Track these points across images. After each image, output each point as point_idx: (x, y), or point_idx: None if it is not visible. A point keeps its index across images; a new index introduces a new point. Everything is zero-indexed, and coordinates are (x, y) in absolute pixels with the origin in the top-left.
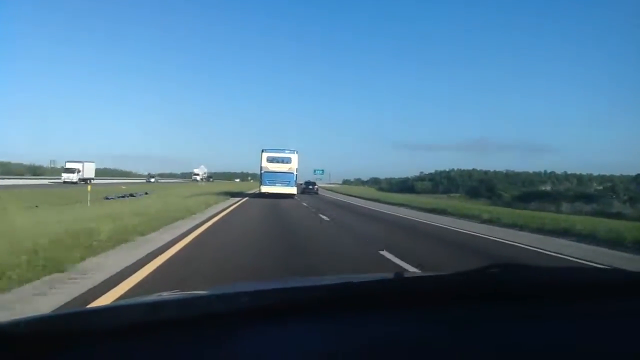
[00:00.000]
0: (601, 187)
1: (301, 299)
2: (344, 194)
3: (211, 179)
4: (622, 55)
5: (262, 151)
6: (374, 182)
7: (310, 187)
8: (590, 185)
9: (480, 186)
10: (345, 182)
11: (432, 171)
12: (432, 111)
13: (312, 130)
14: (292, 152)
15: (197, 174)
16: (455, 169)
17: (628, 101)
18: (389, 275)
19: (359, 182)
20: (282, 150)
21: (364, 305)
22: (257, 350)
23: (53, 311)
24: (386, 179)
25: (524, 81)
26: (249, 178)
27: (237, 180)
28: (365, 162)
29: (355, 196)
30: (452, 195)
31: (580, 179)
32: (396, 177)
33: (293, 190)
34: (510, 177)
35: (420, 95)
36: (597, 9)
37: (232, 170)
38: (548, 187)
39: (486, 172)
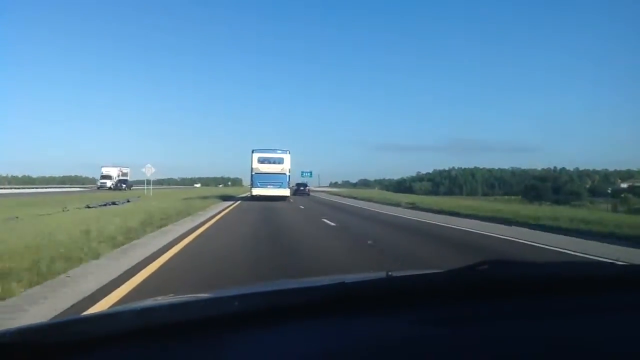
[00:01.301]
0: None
1: (294, 302)
2: (361, 200)
3: (124, 186)
4: (602, 53)
5: (253, 152)
6: (364, 184)
7: (302, 188)
8: (615, 182)
9: (538, 186)
10: (333, 184)
11: (430, 171)
12: (413, 113)
13: (294, 133)
14: (284, 152)
15: (107, 177)
16: (456, 167)
17: (607, 99)
18: (381, 274)
19: (348, 184)
20: (274, 151)
21: (356, 306)
22: (250, 355)
23: (42, 321)
24: (376, 180)
25: (502, 81)
26: (229, 183)
27: (197, 185)
28: (350, 165)
29: (377, 202)
30: (497, 197)
31: (599, 175)
32: (384, 178)
33: (286, 192)
34: (518, 176)
35: (402, 96)
36: (573, 6)
37: (218, 175)
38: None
39: (490, 171)
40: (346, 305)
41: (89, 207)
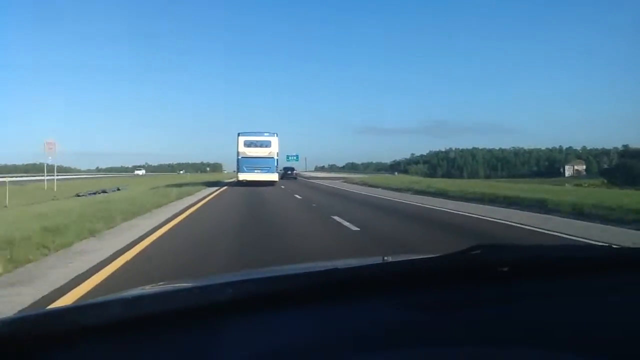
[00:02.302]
0: None
1: (288, 288)
2: (392, 189)
3: None
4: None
5: (238, 135)
6: (351, 168)
7: (289, 172)
8: None
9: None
10: (319, 169)
11: (425, 152)
12: (392, 95)
13: (276, 117)
14: (272, 134)
15: None
16: (454, 148)
17: (583, 80)
18: (375, 259)
19: (335, 168)
20: (261, 134)
21: (349, 292)
22: (245, 340)
23: (32, 310)
24: (363, 164)
25: (480, 64)
26: (207, 169)
27: (140, 172)
28: (335, 149)
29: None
30: (524, 179)
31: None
32: (372, 161)
33: (274, 177)
34: (520, 156)
35: (380, 79)
36: None
37: (198, 161)
38: None
39: (491, 151)
40: (340, 290)
41: (78, 196)
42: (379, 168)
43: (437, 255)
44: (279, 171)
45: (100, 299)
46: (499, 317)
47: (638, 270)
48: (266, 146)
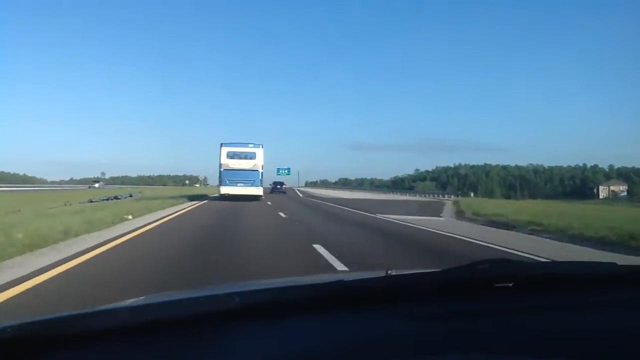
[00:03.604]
0: None
1: (294, 298)
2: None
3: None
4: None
5: (221, 145)
6: (344, 183)
7: (279, 187)
8: None
9: None
10: (309, 184)
11: (430, 168)
12: (384, 113)
13: (266, 132)
14: (257, 146)
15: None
16: (463, 164)
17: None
18: (380, 273)
19: (327, 183)
20: (245, 144)
21: (355, 303)
22: (250, 348)
23: (41, 316)
24: (357, 179)
25: (466, 83)
26: (186, 182)
27: (97, 185)
28: (326, 164)
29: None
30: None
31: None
32: (365, 177)
33: (259, 191)
34: (540, 174)
35: (372, 96)
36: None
37: (180, 173)
38: None
39: (506, 168)
40: (345, 302)
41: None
42: (378, 184)
43: (444, 269)
44: (265, 185)
45: (109, 306)
46: (505, 329)
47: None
48: (250, 158)
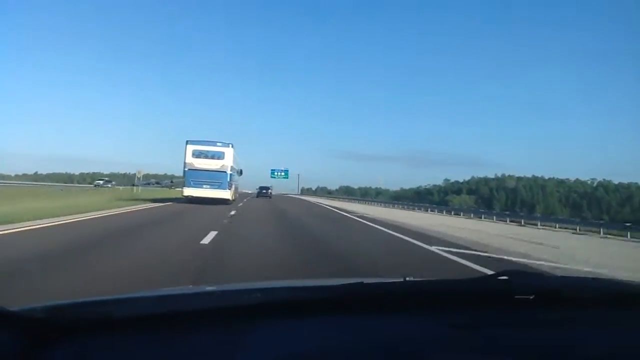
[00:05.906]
0: None
1: (314, 297)
2: None
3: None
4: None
5: (187, 143)
6: (346, 192)
7: (265, 191)
8: None
9: None
10: (305, 191)
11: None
12: (374, 122)
13: (267, 132)
14: (226, 145)
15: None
16: (506, 175)
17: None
18: (400, 278)
19: (325, 191)
20: (213, 143)
21: (374, 305)
22: (270, 343)
23: (72, 299)
24: (360, 188)
25: (466, 98)
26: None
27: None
28: (320, 172)
29: None
30: None
31: None
32: (369, 186)
33: (226, 194)
34: (612, 192)
35: (364, 104)
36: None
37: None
38: None
39: (563, 182)
40: (365, 304)
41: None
42: (392, 196)
43: (466, 278)
44: (252, 189)
45: (133, 294)
46: (522, 341)
47: None
48: (218, 158)
